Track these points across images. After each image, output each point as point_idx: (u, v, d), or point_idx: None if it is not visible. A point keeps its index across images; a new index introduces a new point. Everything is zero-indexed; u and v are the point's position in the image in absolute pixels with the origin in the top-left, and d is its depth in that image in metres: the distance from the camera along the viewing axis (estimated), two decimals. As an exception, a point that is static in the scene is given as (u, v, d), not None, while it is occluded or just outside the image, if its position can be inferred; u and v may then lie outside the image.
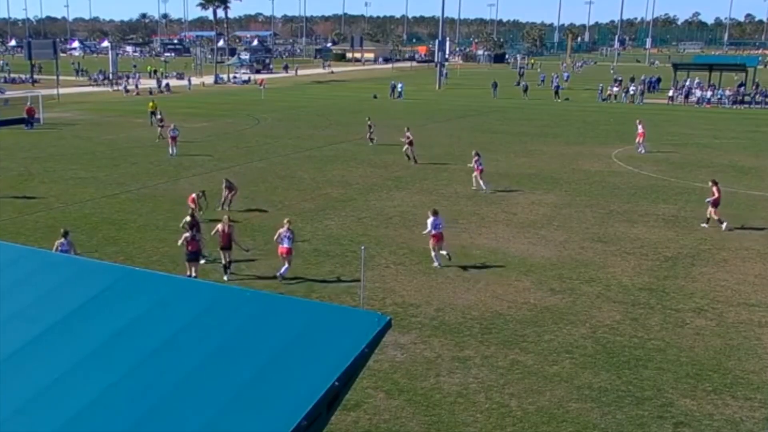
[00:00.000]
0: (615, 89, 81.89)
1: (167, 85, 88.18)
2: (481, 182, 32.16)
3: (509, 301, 19.24)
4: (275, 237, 21.15)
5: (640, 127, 43.47)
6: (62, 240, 19.14)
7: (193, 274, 19.71)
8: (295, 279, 20.58)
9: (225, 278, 20.49)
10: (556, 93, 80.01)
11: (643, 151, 42.88)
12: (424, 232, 22.60)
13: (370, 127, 46.01)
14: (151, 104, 55.85)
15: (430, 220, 22.01)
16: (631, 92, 79.57)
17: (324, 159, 39.84)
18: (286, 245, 20.57)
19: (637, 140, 43.66)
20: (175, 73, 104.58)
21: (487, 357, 15.91)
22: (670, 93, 78.32)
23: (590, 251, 23.77)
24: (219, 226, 20.88)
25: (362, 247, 15.92)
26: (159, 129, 46.41)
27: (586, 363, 15.70)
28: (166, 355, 6.74)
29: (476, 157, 32.63)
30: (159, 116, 48.11)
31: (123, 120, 57.81)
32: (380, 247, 23.64)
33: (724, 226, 26.16)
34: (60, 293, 7.84)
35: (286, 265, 20.74)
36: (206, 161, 39.03)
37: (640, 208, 29.51)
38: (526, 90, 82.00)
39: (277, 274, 20.66)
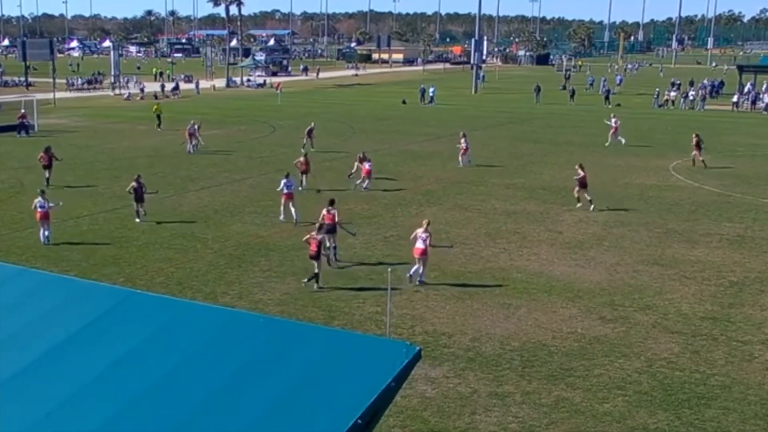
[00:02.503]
0: (672, 94, 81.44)
1: (174, 88, 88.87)
2: (464, 158, 41.64)
3: (554, 331, 19.11)
4: (411, 236, 22.62)
5: (614, 120, 50.53)
6: (39, 198, 25.79)
7: (329, 243, 23.66)
8: (312, 303, 20.61)
9: (307, 283, 21.93)
10: (607, 98, 79.72)
11: (623, 141, 49.40)
12: (277, 189, 29.46)
13: (310, 132, 46.23)
14: (155, 107, 57.16)
15: (282, 182, 28.95)
16: (691, 97, 79.10)
17: (346, 170, 39.91)
18: (420, 246, 22.02)
19: (611, 132, 50.31)
20: (183, 76, 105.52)
21: (529, 393, 15.79)
22: (735, 98, 77.71)
23: (645, 275, 23.58)
24: (310, 236, 22.17)
25: (389, 269, 15.92)
26: (191, 138, 46.12)
27: (640, 401, 15.53)
28: (170, 386, 6.74)
29: (464, 139, 41.85)
30: (196, 126, 47.16)
31: (125, 127, 58.40)
32: (409, 268, 23.58)
33: (591, 207, 31.29)
34: (55, 317, 7.88)
35: (418, 267, 22.18)
36: (216, 173, 39.26)
37: (701, 227, 29.26)
38: (573, 95, 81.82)
39: (408, 274, 22.19)
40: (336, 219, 24.10)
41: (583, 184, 31.66)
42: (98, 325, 7.62)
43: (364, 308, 20.38)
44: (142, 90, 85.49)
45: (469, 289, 22.05)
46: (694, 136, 43.07)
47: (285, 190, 28.93)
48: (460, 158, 41.79)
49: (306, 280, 22.03)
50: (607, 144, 50.01)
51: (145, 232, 27.59)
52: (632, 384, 16.29)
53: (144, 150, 46.59)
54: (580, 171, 31.87)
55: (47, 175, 35.53)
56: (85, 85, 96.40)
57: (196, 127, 46.06)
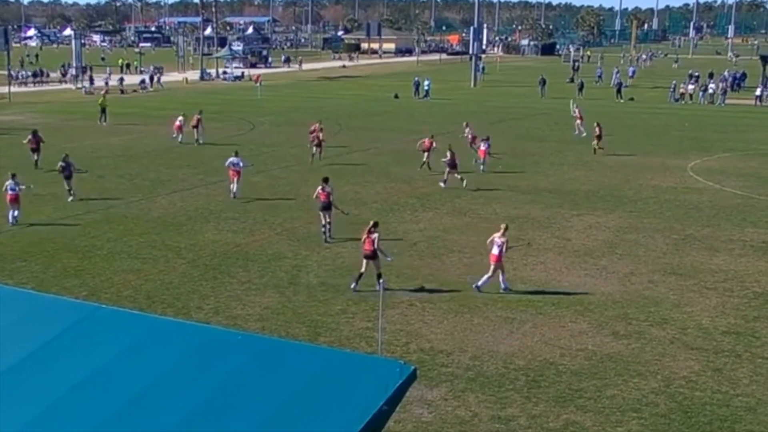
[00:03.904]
0: (690, 87, 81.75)
1: (143, 81, 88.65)
2: (484, 160, 41.65)
3: (562, 348, 19.10)
4: (488, 241, 22.95)
5: (577, 111, 53.96)
6: (10, 181, 28.50)
7: (324, 221, 27.34)
8: (302, 318, 20.57)
9: (356, 287, 22.36)
10: (619, 92, 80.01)
11: (584, 134, 51.46)
12: (225, 164, 34.10)
13: (315, 131, 43.48)
14: (101, 100, 59.57)
15: (230, 159, 33.73)
16: (710, 91, 79.38)
17: (333, 172, 39.81)
18: (495, 252, 22.43)
19: (576, 122, 53.14)
20: (152, 68, 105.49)
21: (535, 417, 15.78)
22: (758, 92, 78.03)
23: (662, 286, 23.61)
24: (365, 236, 22.48)
25: (381, 281, 15.89)
26: (195, 131, 48.57)
27: (657, 424, 15.54)
28: (138, 410, 6.70)
29: (468, 128, 44.58)
30: (197, 117, 49.27)
31: (87, 124, 58.27)
32: (402, 279, 23.57)
33: (443, 184, 35.99)
34: (10, 334, 7.83)
35: (490, 276, 22.44)
36: (189, 175, 39.19)
37: (723, 233, 29.33)
38: (581, 88, 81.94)
39: (475, 285, 22.47)
40: (332, 197, 27.23)
41: (452, 165, 35.85)
42: (59, 344, 7.58)
43: (354, 324, 20.33)
44: (106, 83, 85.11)
45: (469, 302, 22.00)
46: (596, 125, 46.39)
47: (231, 167, 33.57)
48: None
49: (353, 285, 22.35)
50: (583, 135, 51.45)
51: (110, 240, 27.51)
52: (648, 406, 16.29)
53: (109, 149, 46.50)
54: (448, 153, 36.04)
55: (35, 158, 39.86)
56: (30, 79, 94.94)
57: (198, 117, 48.69)
